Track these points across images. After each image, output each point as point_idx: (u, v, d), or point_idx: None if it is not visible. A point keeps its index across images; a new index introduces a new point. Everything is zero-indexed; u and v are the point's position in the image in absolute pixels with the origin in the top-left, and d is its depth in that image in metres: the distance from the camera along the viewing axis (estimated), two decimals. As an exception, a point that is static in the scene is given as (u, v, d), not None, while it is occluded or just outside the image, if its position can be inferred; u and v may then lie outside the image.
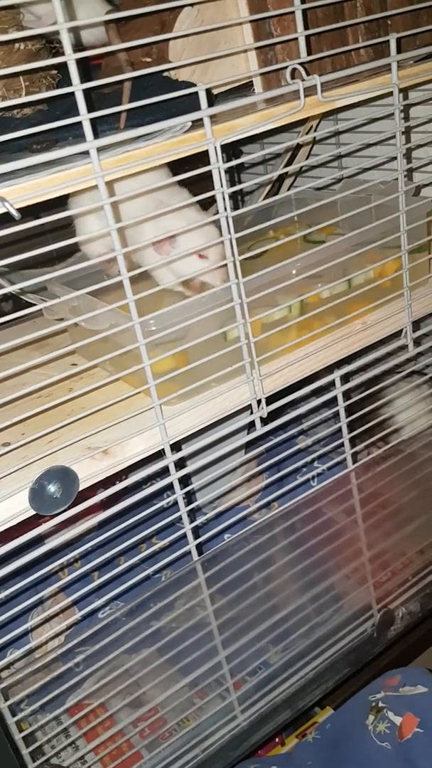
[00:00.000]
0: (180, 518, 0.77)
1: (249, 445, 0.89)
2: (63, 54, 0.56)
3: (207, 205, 0.85)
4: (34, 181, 0.57)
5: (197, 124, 0.65)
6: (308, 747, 0.97)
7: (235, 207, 1.19)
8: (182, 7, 0.73)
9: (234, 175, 1.31)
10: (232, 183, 1.28)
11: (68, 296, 0.70)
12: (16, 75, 0.73)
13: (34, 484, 0.63)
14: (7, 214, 0.55)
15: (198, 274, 0.76)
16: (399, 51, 0.76)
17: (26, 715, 0.75)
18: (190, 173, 0.67)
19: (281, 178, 1.15)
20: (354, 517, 0.94)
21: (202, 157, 0.67)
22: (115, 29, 0.74)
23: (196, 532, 0.80)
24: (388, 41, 0.75)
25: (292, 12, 0.72)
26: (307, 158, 1.11)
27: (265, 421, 0.79)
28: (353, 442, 0.91)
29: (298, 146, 1.09)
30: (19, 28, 0.74)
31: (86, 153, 0.59)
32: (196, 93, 0.63)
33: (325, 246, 0.80)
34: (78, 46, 0.77)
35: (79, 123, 0.58)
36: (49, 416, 0.67)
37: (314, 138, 1.12)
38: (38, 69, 0.74)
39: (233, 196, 1.26)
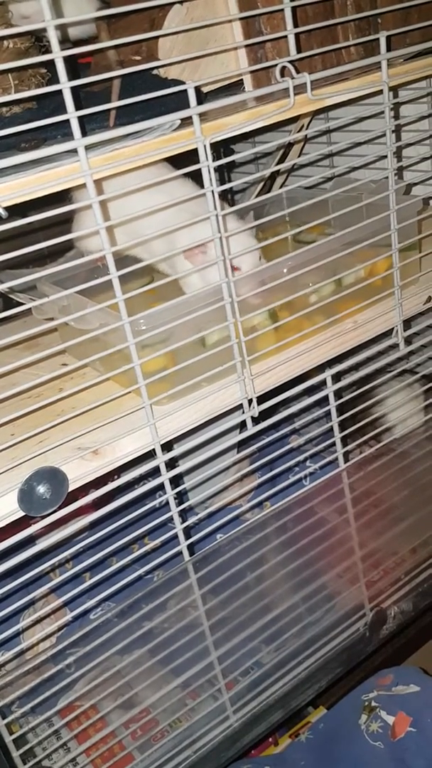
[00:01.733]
0: (172, 518, 0.77)
1: (241, 445, 0.88)
2: (52, 53, 0.55)
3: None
4: (21, 179, 0.56)
5: (186, 122, 0.65)
6: (301, 747, 0.97)
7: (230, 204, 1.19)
8: (172, 4, 0.72)
9: (224, 174, 1.31)
10: (222, 182, 1.28)
11: (57, 295, 0.70)
12: (4, 73, 0.72)
13: (23, 485, 0.62)
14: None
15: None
16: (389, 49, 0.76)
17: (17, 716, 0.74)
18: (180, 171, 0.67)
19: (273, 177, 1.15)
20: (346, 516, 0.94)
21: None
22: (106, 28, 0.74)
23: (188, 532, 0.80)
24: (377, 39, 0.75)
25: (282, 10, 0.71)
26: (298, 157, 1.11)
27: (256, 420, 0.79)
28: (345, 441, 0.91)
29: (290, 145, 1.09)
30: (7, 27, 0.73)
31: (74, 151, 0.58)
32: (186, 91, 0.63)
33: (316, 245, 0.79)
34: (65, 41, 0.77)
35: (68, 121, 0.57)
36: (38, 416, 0.66)
37: (305, 136, 1.11)
38: (27, 67, 0.74)
39: (224, 194, 1.26)
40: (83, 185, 0.60)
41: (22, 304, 0.69)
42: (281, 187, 1.16)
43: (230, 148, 1.22)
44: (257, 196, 1.13)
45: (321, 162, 1.20)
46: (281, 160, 1.10)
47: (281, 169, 1.14)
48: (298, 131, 1.06)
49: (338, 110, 1.01)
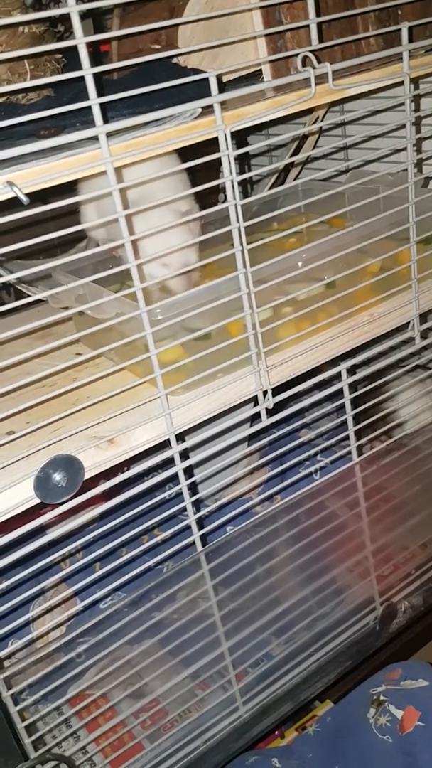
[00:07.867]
0: (182, 509, 0.77)
1: (252, 438, 0.88)
2: (67, 38, 0.55)
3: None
4: (42, 165, 0.56)
5: (207, 110, 0.64)
6: (309, 740, 0.97)
7: (244, 196, 1.19)
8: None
9: (243, 165, 1.30)
10: (240, 172, 1.27)
11: (73, 284, 0.69)
12: (21, 59, 0.72)
13: (39, 472, 0.62)
14: (13, 200, 0.55)
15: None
16: (410, 40, 0.75)
17: (28, 704, 0.74)
18: (200, 160, 0.66)
19: (287, 169, 1.14)
20: (357, 510, 0.94)
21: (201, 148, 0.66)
22: (119, 16, 0.73)
23: (200, 523, 0.80)
24: (398, 30, 0.75)
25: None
26: (313, 149, 1.10)
27: (270, 412, 0.79)
28: (357, 435, 0.90)
29: (304, 137, 1.09)
30: (23, 11, 0.73)
31: (95, 138, 0.58)
32: (206, 79, 0.63)
33: (332, 237, 0.79)
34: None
35: (87, 109, 0.57)
36: (53, 405, 0.66)
37: (320, 128, 1.11)
38: (43, 53, 0.73)
39: (242, 185, 1.25)
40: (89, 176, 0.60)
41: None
42: (295, 179, 1.15)
43: (245, 139, 1.21)
44: (271, 188, 1.12)
45: (335, 155, 1.20)
46: (295, 153, 1.10)
47: (295, 161, 1.13)
48: (313, 123, 1.05)
49: (353, 103, 1.01)
